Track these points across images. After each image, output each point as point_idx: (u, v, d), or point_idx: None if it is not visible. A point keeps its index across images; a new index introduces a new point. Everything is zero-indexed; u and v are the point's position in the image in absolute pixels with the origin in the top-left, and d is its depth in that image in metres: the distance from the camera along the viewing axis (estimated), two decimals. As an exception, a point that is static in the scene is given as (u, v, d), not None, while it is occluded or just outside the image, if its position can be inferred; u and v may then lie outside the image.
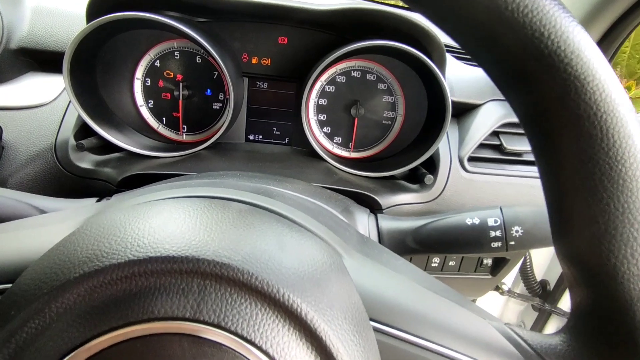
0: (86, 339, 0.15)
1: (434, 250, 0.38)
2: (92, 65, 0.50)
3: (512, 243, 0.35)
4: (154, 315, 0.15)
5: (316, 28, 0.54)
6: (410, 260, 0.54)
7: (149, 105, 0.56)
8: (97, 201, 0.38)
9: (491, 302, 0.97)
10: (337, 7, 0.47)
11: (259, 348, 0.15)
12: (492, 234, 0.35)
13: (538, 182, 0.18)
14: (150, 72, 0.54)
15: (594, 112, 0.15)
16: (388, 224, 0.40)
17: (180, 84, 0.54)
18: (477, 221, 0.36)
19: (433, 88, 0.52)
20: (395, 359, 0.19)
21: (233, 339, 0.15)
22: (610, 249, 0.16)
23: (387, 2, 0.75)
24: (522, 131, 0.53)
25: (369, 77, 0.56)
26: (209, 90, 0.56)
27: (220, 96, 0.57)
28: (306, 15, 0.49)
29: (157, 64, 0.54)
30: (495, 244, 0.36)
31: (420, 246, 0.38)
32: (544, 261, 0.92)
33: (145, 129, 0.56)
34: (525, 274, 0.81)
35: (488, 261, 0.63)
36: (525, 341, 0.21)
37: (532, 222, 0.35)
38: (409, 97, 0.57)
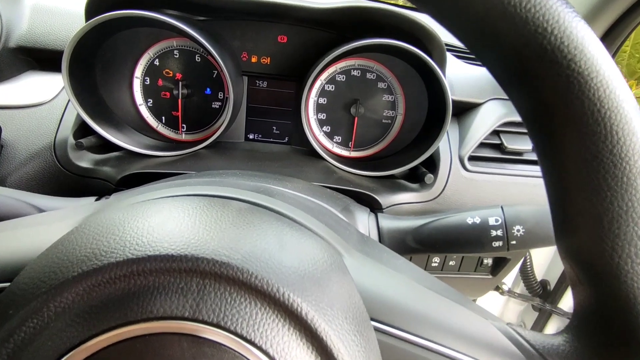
0: (85, 338, 0.15)
1: (434, 249, 0.38)
2: (91, 64, 0.50)
3: (514, 242, 0.35)
4: (152, 315, 0.15)
5: (316, 26, 0.54)
6: (411, 260, 0.54)
7: (148, 104, 0.56)
8: (96, 200, 0.38)
9: (491, 302, 0.97)
10: (337, 6, 0.47)
11: (259, 348, 0.15)
12: (493, 233, 0.35)
13: (539, 181, 0.18)
14: (150, 70, 0.54)
15: (598, 108, 0.15)
16: (388, 223, 0.39)
17: (180, 82, 0.54)
18: (478, 220, 0.36)
19: (433, 87, 0.51)
20: (396, 359, 0.19)
21: (233, 339, 0.15)
22: (613, 248, 0.16)
23: (387, 0, 0.74)
24: (522, 130, 0.53)
25: (369, 75, 0.56)
26: (208, 89, 0.56)
27: (219, 95, 0.56)
28: (306, 13, 0.49)
29: (157, 62, 0.54)
30: (496, 244, 0.35)
31: (420, 245, 0.38)
32: (544, 261, 0.92)
33: (144, 128, 0.56)
34: (526, 273, 0.81)
35: (488, 261, 0.63)
36: (527, 341, 0.21)
37: (533, 222, 0.35)
38: (409, 96, 0.57)
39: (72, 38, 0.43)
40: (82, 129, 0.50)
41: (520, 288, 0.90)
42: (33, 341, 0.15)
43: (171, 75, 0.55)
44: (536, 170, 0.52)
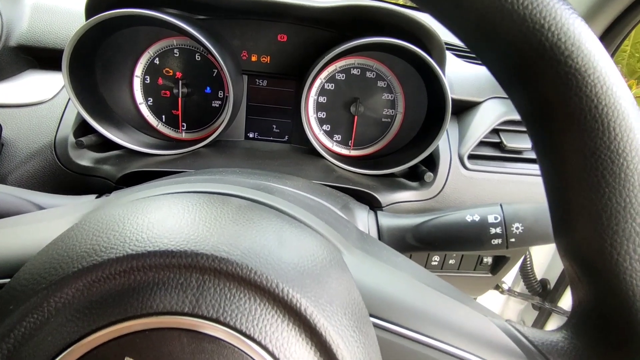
0: (84, 333, 0.15)
1: (434, 247, 0.38)
2: (91, 63, 0.50)
3: (513, 240, 0.35)
4: (152, 310, 0.15)
5: (316, 25, 0.54)
6: (410, 258, 0.54)
7: (149, 103, 0.56)
8: (97, 198, 0.38)
9: (491, 301, 0.97)
10: (337, 4, 0.47)
11: (258, 343, 0.15)
12: (493, 230, 0.35)
13: (538, 180, 0.18)
14: (150, 69, 0.54)
15: (595, 105, 0.15)
16: (388, 221, 0.40)
17: (180, 81, 0.54)
18: (477, 218, 0.36)
19: (433, 86, 0.51)
20: (395, 355, 0.19)
21: (232, 334, 0.15)
22: (612, 245, 0.16)
23: None
24: (522, 129, 0.53)
25: (368, 74, 0.56)
26: (208, 88, 0.56)
27: (219, 94, 0.56)
28: (306, 12, 0.49)
29: (157, 61, 0.54)
30: (495, 241, 0.36)
31: (420, 243, 0.38)
32: (544, 260, 0.92)
33: (144, 127, 0.56)
34: (526, 272, 0.81)
35: (488, 260, 0.63)
36: (526, 338, 0.21)
37: (532, 219, 0.35)
38: (408, 94, 0.57)
39: (73, 37, 0.43)
40: (82, 128, 0.50)
41: (520, 287, 0.90)
42: (33, 336, 0.15)
43: (171, 74, 0.55)
44: (535, 168, 0.52)
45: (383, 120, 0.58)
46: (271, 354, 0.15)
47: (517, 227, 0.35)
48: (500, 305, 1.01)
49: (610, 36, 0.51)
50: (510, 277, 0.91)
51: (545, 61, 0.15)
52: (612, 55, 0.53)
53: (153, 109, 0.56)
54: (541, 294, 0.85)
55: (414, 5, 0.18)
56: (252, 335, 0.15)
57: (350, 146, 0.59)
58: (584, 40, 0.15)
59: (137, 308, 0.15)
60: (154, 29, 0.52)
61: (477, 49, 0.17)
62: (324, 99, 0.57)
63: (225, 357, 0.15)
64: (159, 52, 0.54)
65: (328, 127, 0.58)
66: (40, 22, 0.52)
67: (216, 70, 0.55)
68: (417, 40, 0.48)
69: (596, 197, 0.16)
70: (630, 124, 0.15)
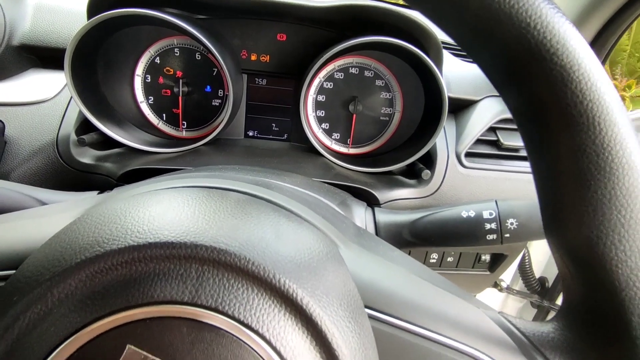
0: (87, 322, 0.15)
1: (430, 243, 0.38)
2: (93, 62, 0.51)
3: (507, 235, 0.36)
4: (153, 300, 0.15)
5: (315, 25, 0.54)
6: (409, 255, 0.55)
7: (149, 102, 0.57)
8: (98, 194, 0.39)
9: (490, 298, 0.97)
10: (335, 4, 0.48)
11: (256, 332, 0.15)
12: (487, 226, 0.36)
13: (534, 177, 0.18)
14: (151, 68, 0.55)
15: (580, 100, 0.15)
16: (385, 217, 0.40)
17: (180, 80, 0.55)
18: (472, 214, 0.37)
19: (430, 84, 0.52)
20: (389, 345, 0.19)
21: (231, 323, 0.15)
22: (598, 236, 0.16)
23: None
24: (518, 127, 0.54)
25: (366, 73, 0.56)
26: (208, 87, 0.57)
27: (219, 93, 0.57)
28: (304, 12, 0.50)
29: (157, 60, 0.55)
30: (490, 237, 0.36)
31: (416, 239, 0.38)
32: (543, 258, 0.92)
33: (145, 125, 0.57)
34: (524, 271, 0.81)
35: (486, 257, 0.64)
36: (518, 329, 0.21)
37: (526, 215, 0.36)
38: (406, 93, 0.57)
39: (75, 36, 0.43)
40: (84, 126, 0.50)
41: (519, 285, 0.90)
42: (37, 327, 0.15)
43: (172, 73, 0.55)
44: (532, 166, 0.53)
45: (381, 118, 0.58)
46: (268, 342, 0.15)
47: (511, 223, 0.36)
48: (499, 303, 1.01)
49: (602, 38, 0.51)
50: (509, 275, 0.92)
51: (531, 58, 0.15)
52: (606, 58, 0.54)
53: (154, 107, 0.57)
54: (539, 291, 0.86)
55: (406, 3, 0.19)
56: (250, 324, 0.15)
57: (348, 144, 0.60)
58: (569, 39, 0.15)
59: (138, 298, 0.15)
60: (155, 28, 0.53)
61: (467, 47, 0.18)
62: (323, 98, 0.58)
63: (223, 346, 0.15)
64: (160, 52, 0.55)
65: (327, 126, 0.59)
66: (43, 22, 0.53)
67: (216, 69, 0.56)
68: (414, 39, 0.49)
69: (582, 189, 0.16)
70: (614, 119, 0.15)
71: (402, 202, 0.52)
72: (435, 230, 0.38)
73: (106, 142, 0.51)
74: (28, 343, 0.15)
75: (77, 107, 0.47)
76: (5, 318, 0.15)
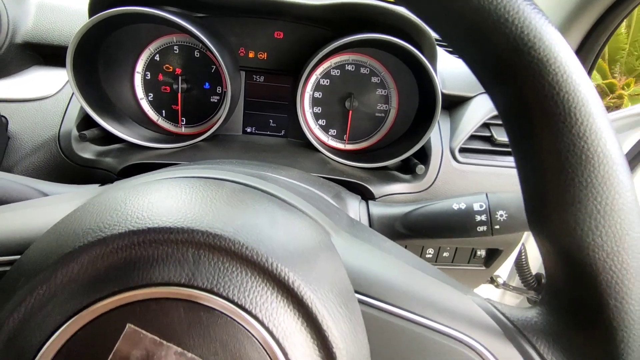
0: (89, 302, 0.16)
1: (422, 235, 0.39)
2: (94, 59, 0.52)
3: (497, 227, 0.37)
4: (152, 282, 0.16)
5: (311, 23, 0.55)
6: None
7: (149, 98, 0.58)
8: (99, 187, 0.40)
9: (486, 295, 0.98)
10: (331, 3, 0.49)
11: (250, 313, 0.16)
12: (478, 218, 0.37)
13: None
14: (150, 66, 0.56)
15: (557, 92, 0.16)
16: (378, 210, 0.41)
17: (179, 77, 0.56)
18: (463, 206, 0.37)
19: (424, 81, 0.53)
20: (378, 328, 0.19)
21: (226, 305, 0.16)
22: (576, 222, 0.17)
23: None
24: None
25: (362, 70, 0.57)
26: (207, 84, 0.58)
27: (218, 89, 0.58)
28: (301, 10, 0.51)
29: (157, 58, 0.56)
30: (480, 228, 0.37)
31: (408, 231, 0.39)
32: (539, 254, 0.93)
33: (145, 121, 0.58)
34: (521, 267, 0.82)
35: (481, 252, 0.64)
36: (504, 315, 0.22)
37: (516, 207, 0.36)
38: (402, 90, 0.58)
39: (76, 34, 0.44)
40: (85, 122, 0.52)
41: (516, 281, 0.91)
42: (42, 307, 0.16)
43: (171, 70, 0.56)
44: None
45: (377, 115, 0.59)
46: (261, 323, 0.16)
47: (501, 215, 0.36)
48: (496, 300, 1.01)
49: (591, 40, 0.51)
50: (505, 271, 0.92)
51: (511, 53, 0.16)
52: (598, 56, 0.54)
53: (153, 104, 0.58)
54: (536, 288, 0.86)
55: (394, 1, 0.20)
56: (244, 305, 0.16)
57: (345, 140, 0.60)
58: (545, 33, 0.16)
59: (137, 280, 0.16)
60: (155, 26, 0.54)
61: (451, 42, 0.18)
62: (320, 94, 0.59)
63: (218, 326, 0.16)
64: (160, 49, 0.56)
65: (323, 122, 0.60)
66: (45, 20, 0.54)
67: (215, 67, 0.57)
68: (409, 37, 0.49)
69: (561, 178, 0.17)
70: (589, 110, 0.16)
71: (397, 196, 0.52)
72: (427, 222, 0.38)
73: (107, 138, 0.52)
74: (34, 323, 0.16)
75: (79, 103, 0.48)
76: (12, 300, 0.16)
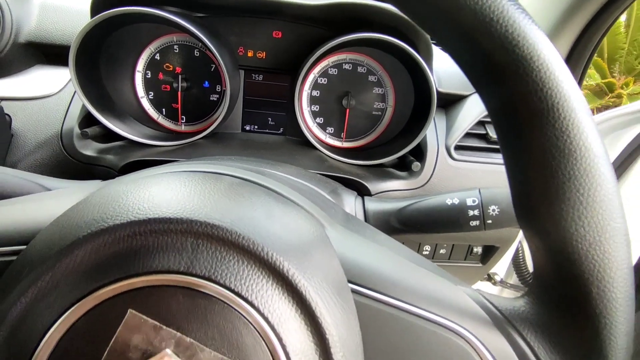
0: (92, 289, 0.17)
1: (416, 229, 0.40)
2: (96, 58, 0.53)
3: (490, 222, 0.37)
4: (152, 269, 0.17)
5: (309, 23, 0.56)
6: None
7: (150, 97, 0.58)
8: (101, 182, 0.41)
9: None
10: (328, 3, 0.50)
11: (246, 300, 0.17)
12: (471, 213, 0.37)
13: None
14: (151, 65, 0.57)
15: (540, 88, 0.16)
16: (374, 205, 0.42)
17: (179, 76, 0.57)
18: (456, 201, 0.38)
19: (420, 80, 0.54)
20: (371, 316, 0.20)
21: (223, 292, 0.17)
22: (560, 213, 0.17)
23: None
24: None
25: (359, 69, 0.58)
26: (206, 83, 0.58)
27: (217, 88, 0.59)
28: (299, 10, 0.52)
29: (157, 57, 0.57)
30: (473, 223, 0.38)
31: (403, 226, 0.40)
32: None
33: (145, 119, 0.59)
34: (518, 264, 0.83)
35: (478, 249, 0.65)
36: (493, 304, 0.22)
37: (507, 202, 0.37)
38: (398, 89, 0.59)
39: (79, 33, 0.45)
40: (87, 119, 0.52)
41: (513, 279, 0.91)
42: (47, 294, 0.17)
43: (171, 69, 0.57)
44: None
45: (374, 113, 0.60)
46: (257, 309, 0.17)
47: (493, 210, 0.37)
48: (493, 297, 1.02)
49: (583, 41, 0.52)
50: (502, 269, 0.93)
51: (497, 51, 0.17)
52: (591, 57, 0.55)
53: (154, 102, 0.59)
54: (533, 285, 0.87)
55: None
56: (240, 292, 0.17)
57: (342, 138, 0.61)
58: (528, 31, 0.16)
59: (138, 267, 0.17)
60: (155, 26, 0.55)
61: (441, 42, 0.19)
62: (317, 93, 0.59)
63: (216, 312, 0.17)
64: (160, 48, 0.56)
65: (321, 120, 0.61)
66: (48, 20, 0.55)
67: (214, 66, 0.58)
68: (405, 36, 0.50)
69: (546, 171, 0.17)
70: (571, 105, 0.16)
71: (393, 193, 0.53)
72: (421, 217, 0.39)
73: (108, 135, 0.53)
74: (39, 308, 0.17)
75: (81, 101, 0.49)
76: (19, 287, 0.17)
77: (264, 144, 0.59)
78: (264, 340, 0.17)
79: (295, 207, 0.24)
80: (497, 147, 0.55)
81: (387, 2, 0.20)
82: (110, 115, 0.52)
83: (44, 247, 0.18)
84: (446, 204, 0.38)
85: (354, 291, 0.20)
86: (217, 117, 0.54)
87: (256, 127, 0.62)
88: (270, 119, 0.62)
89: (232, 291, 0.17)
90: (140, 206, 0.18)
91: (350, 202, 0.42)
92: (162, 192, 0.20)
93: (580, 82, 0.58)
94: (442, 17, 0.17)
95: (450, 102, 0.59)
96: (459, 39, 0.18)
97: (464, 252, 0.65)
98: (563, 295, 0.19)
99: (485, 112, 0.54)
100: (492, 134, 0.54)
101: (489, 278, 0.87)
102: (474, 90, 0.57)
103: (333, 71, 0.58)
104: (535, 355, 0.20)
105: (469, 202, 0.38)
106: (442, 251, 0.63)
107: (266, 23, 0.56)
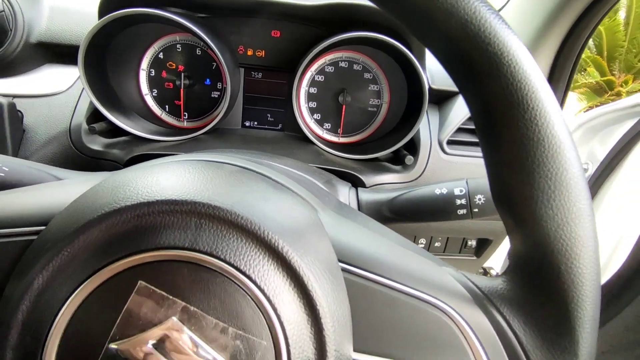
0: (106, 263, 0.18)
1: (407, 218, 0.42)
2: (103, 57, 0.55)
3: (476, 210, 0.39)
4: (160, 245, 0.18)
5: (306, 23, 0.58)
6: None
7: (153, 94, 0.61)
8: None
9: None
10: (325, 3, 0.52)
11: (244, 273, 0.18)
12: (458, 202, 0.39)
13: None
14: (155, 63, 0.59)
15: (511, 82, 0.18)
16: (367, 195, 0.44)
17: (182, 74, 0.59)
18: (444, 191, 0.40)
19: (412, 77, 0.55)
20: (359, 292, 0.21)
21: (223, 266, 0.18)
22: (531, 196, 0.19)
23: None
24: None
25: (355, 67, 0.60)
26: (208, 80, 0.61)
27: (218, 85, 0.61)
28: (297, 10, 0.54)
29: (161, 55, 0.59)
30: (461, 211, 0.39)
31: (394, 215, 0.42)
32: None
33: (149, 116, 0.61)
34: (513, 258, 0.84)
35: (472, 242, 0.67)
36: (474, 283, 0.24)
37: None
38: (393, 86, 0.61)
39: (87, 33, 0.48)
40: (94, 116, 0.55)
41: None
42: (66, 267, 0.18)
43: (174, 67, 0.60)
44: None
45: (369, 109, 0.62)
46: (254, 282, 0.18)
47: (479, 199, 0.39)
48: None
49: (571, 39, 0.53)
50: (498, 263, 0.94)
51: (472, 48, 0.18)
52: (577, 59, 0.56)
53: (157, 99, 0.61)
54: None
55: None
56: (239, 267, 0.18)
57: (339, 134, 0.63)
58: (499, 30, 0.18)
59: (147, 244, 0.18)
60: (159, 26, 0.57)
61: (425, 41, 0.20)
62: (315, 90, 0.61)
63: (217, 284, 0.18)
64: (163, 47, 0.59)
65: (319, 116, 0.63)
66: (58, 21, 0.57)
67: (215, 64, 0.60)
68: (398, 35, 0.52)
69: (518, 157, 0.19)
70: (539, 97, 0.18)
71: (387, 186, 0.55)
72: (412, 206, 0.41)
73: (114, 131, 0.55)
74: (59, 280, 0.18)
75: (88, 98, 0.52)
76: (41, 261, 0.19)
77: (263, 139, 0.61)
78: (261, 310, 0.18)
79: (291, 193, 0.25)
80: None
81: (371, 1, 0.22)
82: (116, 112, 0.55)
83: (62, 226, 0.19)
84: (435, 193, 0.40)
85: (343, 270, 0.22)
86: (218, 114, 0.56)
87: (256, 123, 0.64)
88: (269, 115, 0.64)
89: (232, 265, 0.18)
90: (149, 190, 0.20)
91: (345, 193, 0.44)
92: (168, 178, 0.22)
93: (567, 86, 0.59)
94: (421, 17, 0.19)
95: (443, 99, 0.61)
96: (439, 38, 0.19)
97: (459, 245, 0.66)
98: (535, 272, 0.21)
99: None
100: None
101: (485, 272, 0.88)
102: (466, 87, 0.59)
103: (330, 69, 0.60)
104: (511, 327, 0.21)
105: (457, 191, 0.40)
106: (437, 244, 0.65)
107: (265, 23, 0.58)
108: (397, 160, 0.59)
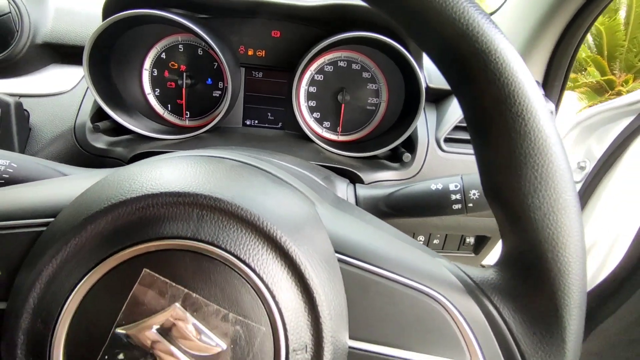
0: (112, 252, 0.19)
1: (403, 213, 0.43)
2: (107, 57, 0.56)
3: (471, 205, 0.40)
4: (163, 235, 0.19)
5: (306, 23, 0.59)
6: None
7: (156, 93, 0.62)
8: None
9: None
10: (324, 4, 0.53)
11: (244, 262, 0.19)
12: (453, 197, 0.40)
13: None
14: (157, 63, 0.60)
15: (498, 77, 0.19)
16: (364, 191, 0.45)
17: (184, 74, 0.60)
18: (440, 186, 0.41)
19: (410, 76, 0.56)
20: (355, 283, 0.22)
21: (224, 255, 0.19)
22: (518, 187, 0.20)
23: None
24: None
25: (354, 66, 0.61)
26: (209, 80, 0.62)
27: (219, 85, 0.62)
28: (297, 11, 0.55)
29: (163, 56, 0.60)
30: (456, 206, 0.40)
31: (391, 210, 0.43)
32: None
33: (152, 115, 0.62)
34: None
35: (470, 240, 0.67)
36: (466, 274, 0.24)
37: None
38: (391, 85, 0.62)
39: (92, 34, 0.49)
40: (98, 114, 0.56)
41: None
42: (74, 256, 0.19)
43: (176, 67, 0.61)
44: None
45: (368, 108, 0.63)
46: (254, 270, 0.19)
47: (474, 194, 0.40)
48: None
49: (567, 38, 0.54)
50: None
51: (461, 46, 0.19)
52: (575, 53, 0.57)
53: (160, 98, 0.62)
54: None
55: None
56: (239, 255, 0.19)
57: (338, 132, 0.64)
58: (486, 28, 0.19)
59: (151, 233, 0.19)
60: (162, 27, 0.58)
61: (417, 40, 0.21)
62: (314, 89, 0.62)
63: (218, 272, 0.19)
64: (166, 48, 0.60)
65: (318, 115, 0.64)
66: (63, 23, 0.59)
67: (216, 64, 0.61)
68: (396, 35, 0.53)
69: (506, 150, 0.19)
70: (525, 92, 0.19)
71: (385, 183, 0.56)
72: (408, 201, 0.42)
73: (117, 129, 0.57)
74: (67, 269, 0.19)
75: (93, 97, 0.53)
76: (51, 250, 0.19)
77: (264, 137, 0.62)
78: (260, 298, 0.19)
79: (289, 187, 0.26)
80: None
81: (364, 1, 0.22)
82: (120, 111, 0.56)
83: (71, 217, 0.20)
84: (430, 189, 0.41)
85: (340, 260, 0.22)
86: (220, 113, 0.57)
87: (256, 121, 0.65)
88: (269, 114, 0.65)
89: (233, 254, 0.19)
90: (153, 182, 0.21)
91: (342, 189, 0.45)
92: (171, 172, 0.23)
93: (563, 85, 0.60)
94: (413, 17, 0.20)
95: (440, 97, 0.61)
96: (431, 36, 0.20)
97: (457, 242, 0.67)
98: (524, 262, 0.21)
99: None
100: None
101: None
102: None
103: (329, 68, 0.61)
104: (501, 315, 0.22)
105: (452, 187, 0.40)
106: (435, 241, 0.66)
107: (265, 23, 0.59)
108: (395, 157, 0.60)
